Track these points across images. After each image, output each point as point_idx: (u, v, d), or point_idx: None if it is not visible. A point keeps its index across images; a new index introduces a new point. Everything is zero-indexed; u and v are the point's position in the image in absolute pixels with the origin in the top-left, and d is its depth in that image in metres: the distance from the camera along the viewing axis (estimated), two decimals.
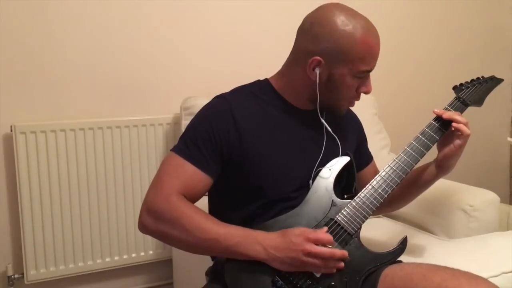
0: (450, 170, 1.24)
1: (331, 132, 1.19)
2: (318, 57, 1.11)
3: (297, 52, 1.17)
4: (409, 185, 1.27)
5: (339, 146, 1.20)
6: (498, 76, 1.39)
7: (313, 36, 1.12)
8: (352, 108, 1.38)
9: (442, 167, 1.23)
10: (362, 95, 1.19)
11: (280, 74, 1.23)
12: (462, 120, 1.17)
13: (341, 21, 1.10)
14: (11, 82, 1.79)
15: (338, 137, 1.21)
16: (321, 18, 1.13)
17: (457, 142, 1.17)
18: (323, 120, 1.18)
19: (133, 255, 1.96)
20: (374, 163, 1.42)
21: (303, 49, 1.14)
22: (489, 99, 1.34)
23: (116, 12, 1.91)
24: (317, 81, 1.12)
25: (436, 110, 1.19)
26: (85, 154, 1.84)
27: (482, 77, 1.35)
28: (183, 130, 1.22)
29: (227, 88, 1.25)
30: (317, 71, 1.12)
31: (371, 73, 1.17)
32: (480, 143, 2.74)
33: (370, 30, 1.12)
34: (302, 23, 1.17)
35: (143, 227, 1.11)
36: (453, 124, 1.16)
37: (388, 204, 1.26)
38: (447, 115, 1.17)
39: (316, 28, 1.12)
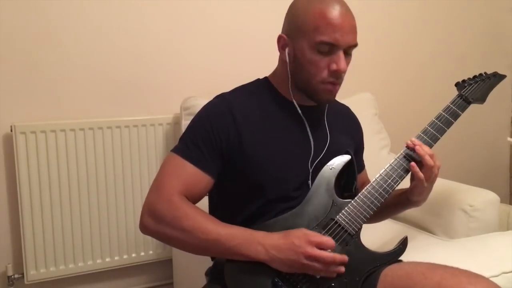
0: (419, 204, 1.22)
1: (307, 126, 1.18)
2: (282, 35, 1.15)
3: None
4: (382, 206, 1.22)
5: (327, 142, 1.20)
6: None
7: (284, 19, 1.17)
8: (352, 107, 1.38)
9: (410, 201, 1.21)
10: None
11: (274, 71, 1.24)
12: (428, 162, 1.11)
13: None
14: (11, 82, 1.79)
15: (332, 134, 1.21)
16: (294, 1, 1.17)
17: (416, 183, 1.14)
18: (299, 110, 1.17)
19: (133, 255, 1.96)
20: (365, 172, 1.41)
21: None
22: (489, 99, 1.34)
23: (116, 12, 1.91)
24: (287, 60, 1.14)
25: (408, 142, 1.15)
26: (85, 154, 1.84)
27: (485, 73, 1.34)
28: (183, 130, 1.22)
29: (227, 88, 1.25)
30: (287, 51, 1.14)
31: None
32: (480, 143, 2.74)
33: (334, 4, 1.09)
34: None
35: (144, 229, 1.11)
36: (411, 165, 1.12)
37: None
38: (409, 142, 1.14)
39: (287, 10, 1.17)
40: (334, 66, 1.10)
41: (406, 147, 1.15)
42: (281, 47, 1.16)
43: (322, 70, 1.11)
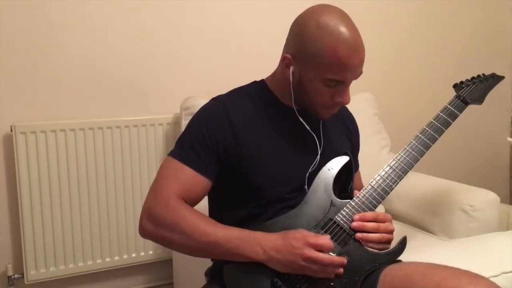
0: None
1: (310, 130, 1.17)
2: (288, 55, 1.11)
3: (282, 51, 1.18)
4: None
5: (319, 146, 1.19)
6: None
7: (290, 34, 1.13)
8: (352, 107, 1.38)
9: None
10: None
11: (273, 74, 1.24)
12: (374, 238, 1.08)
13: (318, 23, 1.06)
14: (11, 82, 1.79)
15: (330, 138, 1.21)
16: (302, 18, 1.12)
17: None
18: (301, 119, 1.16)
19: (133, 255, 1.96)
20: (358, 174, 1.41)
21: (285, 47, 1.15)
22: (489, 99, 1.34)
23: (116, 12, 1.91)
24: (291, 79, 1.12)
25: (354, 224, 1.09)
26: (85, 154, 1.84)
27: (483, 74, 1.35)
28: (183, 130, 1.22)
29: (227, 88, 1.25)
30: (291, 69, 1.12)
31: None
32: (480, 143, 2.74)
33: (346, 40, 1.04)
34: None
35: (144, 232, 1.11)
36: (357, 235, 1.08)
37: None
38: (355, 224, 1.09)
39: (295, 27, 1.12)
40: (339, 99, 1.11)
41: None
42: (285, 65, 1.13)
43: (327, 99, 1.12)
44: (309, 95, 1.12)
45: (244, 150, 1.13)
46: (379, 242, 1.10)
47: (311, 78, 1.09)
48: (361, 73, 1.11)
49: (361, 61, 1.08)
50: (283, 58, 1.13)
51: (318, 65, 1.06)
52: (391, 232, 1.12)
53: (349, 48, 1.05)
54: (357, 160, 1.38)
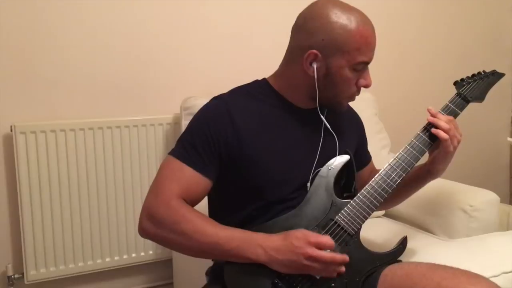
0: (439, 175, 1.23)
1: (330, 129, 1.18)
2: (314, 51, 1.10)
3: (293, 50, 1.16)
4: (399, 187, 1.24)
5: (337, 145, 1.19)
6: None
7: (307, 30, 1.12)
8: (352, 107, 1.38)
9: (430, 171, 1.22)
10: (363, 90, 1.18)
11: (278, 73, 1.22)
12: (444, 126, 1.14)
13: (335, 13, 1.10)
14: (11, 82, 1.79)
15: (337, 136, 1.20)
16: (314, 13, 1.12)
17: (441, 148, 1.16)
18: (323, 118, 1.17)
19: (133, 255, 1.96)
20: (372, 164, 1.41)
21: (299, 45, 1.14)
22: (489, 99, 1.34)
23: (116, 12, 1.91)
24: (315, 76, 1.12)
25: (430, 108, 1.19)
26: (85, 154, 1.84)
27: (484, 71, 1.34)
28: (183, 130, 1.22)
29: (227, 88, 1.24)
30: (315, 65, 1.11)
31: (370, 69, 1.16)
32: (480, 143, 2.74)
33: (364, 21, 1.12)
34: (296, 21, 1.17)
35: (144, 232, 1.10)
36: (432, 130, 1.15)
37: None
38: (431, 119, 1.17)
39: (310, 22, 1.12)
40: (363, 82, 1.15)
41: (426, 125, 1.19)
42: (309, 62, 1.12)
43: (352, 86, 1.15)
44: (336, 86, 1.13)
45: (246, 150, 1.12)
46: (447, 130, 1.14)
47: (341, 66, 1.11)
48: None
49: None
50: (309, 54, 1.11)
51: (349, 51, 1.09)
52: (458, 141, 1.17)
53: (370, 27, 1.13)
54: (368, 151, 1.41)
